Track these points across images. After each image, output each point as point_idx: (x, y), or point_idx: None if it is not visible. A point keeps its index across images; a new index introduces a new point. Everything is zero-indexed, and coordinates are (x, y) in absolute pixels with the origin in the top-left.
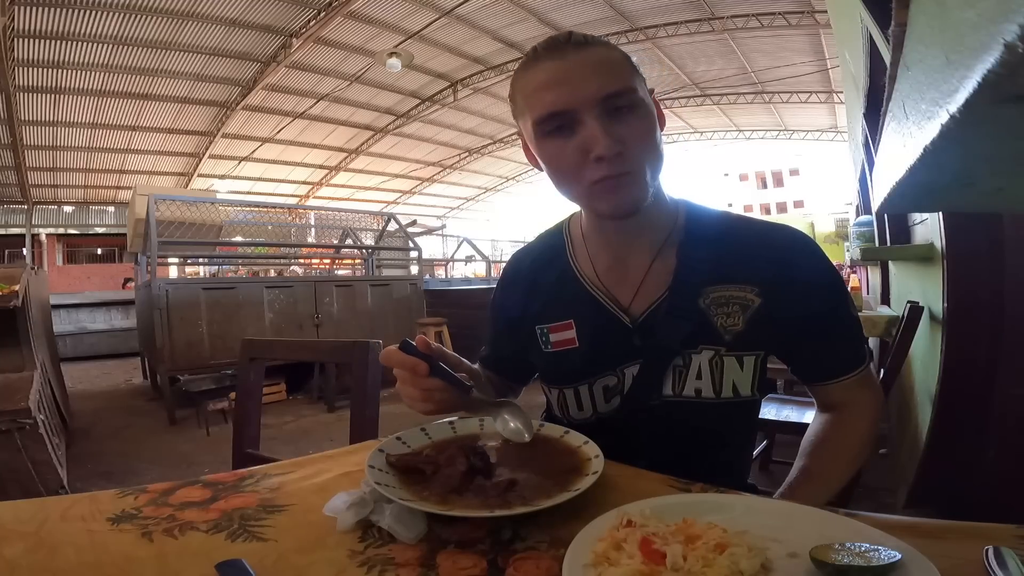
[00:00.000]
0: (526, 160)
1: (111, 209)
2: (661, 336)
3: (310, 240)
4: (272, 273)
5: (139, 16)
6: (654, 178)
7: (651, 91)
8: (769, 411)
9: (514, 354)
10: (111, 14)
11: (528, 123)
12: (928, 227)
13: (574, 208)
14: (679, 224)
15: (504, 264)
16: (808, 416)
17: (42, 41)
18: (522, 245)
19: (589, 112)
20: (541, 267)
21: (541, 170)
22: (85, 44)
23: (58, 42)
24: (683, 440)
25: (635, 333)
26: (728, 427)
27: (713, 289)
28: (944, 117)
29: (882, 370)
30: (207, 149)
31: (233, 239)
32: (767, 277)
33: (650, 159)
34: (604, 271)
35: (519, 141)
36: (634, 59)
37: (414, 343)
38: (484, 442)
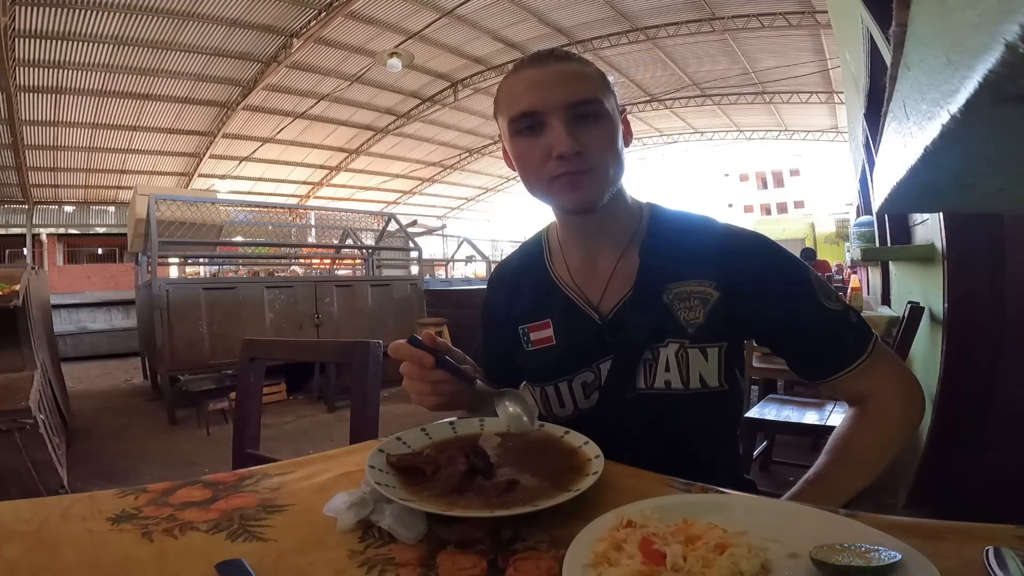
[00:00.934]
0: None
1: (112, 209)
2: (629, 331)
3: (310, 240)
4: (271, 273)
5: (139, 16)
6: (614, 179)
7: (623, 110)
8: (769, 411)
9: (502, 357)
10: (111, 14)
11: (505, 122)
12: (928, 227)
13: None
14: (643, 224)
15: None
16: (808, 416)
17: (42, 41)
18: (512, 250)
19: (556, 115)
20: (522, 272)
21: (515, 170)
22: (85, 44)
23: (58, 42)
24: (664, 434)
25: (605, 330)
26: (705, 420)
27: (676, 285)
28: (945, 117)
29: None
30: (208, 149)
31: (233, 239)
32: (723, 272)
33: (608, 162)
34: (576, 271)
35: None
36: (611, 78)
37: (420, 339)
38: (485, 442)
